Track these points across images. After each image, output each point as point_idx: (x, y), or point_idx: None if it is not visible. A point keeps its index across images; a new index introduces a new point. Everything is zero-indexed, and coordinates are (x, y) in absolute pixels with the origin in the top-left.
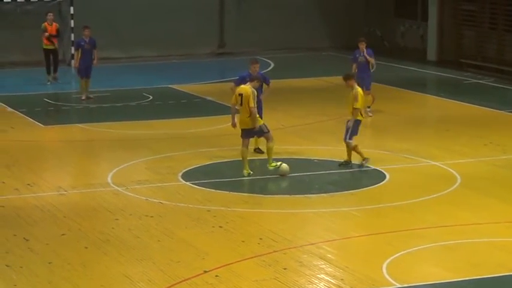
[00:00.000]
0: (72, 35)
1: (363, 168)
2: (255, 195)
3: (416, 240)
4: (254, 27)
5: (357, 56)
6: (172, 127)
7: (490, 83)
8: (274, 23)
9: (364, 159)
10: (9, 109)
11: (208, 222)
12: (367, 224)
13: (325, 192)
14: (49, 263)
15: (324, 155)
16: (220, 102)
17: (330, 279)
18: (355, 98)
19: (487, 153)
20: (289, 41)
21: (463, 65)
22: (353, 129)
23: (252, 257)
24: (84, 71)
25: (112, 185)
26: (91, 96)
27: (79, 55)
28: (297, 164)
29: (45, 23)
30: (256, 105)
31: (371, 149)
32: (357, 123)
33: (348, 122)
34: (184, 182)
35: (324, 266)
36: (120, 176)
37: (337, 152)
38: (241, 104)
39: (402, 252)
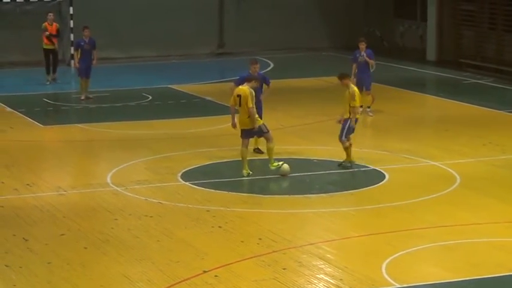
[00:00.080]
0: (72, 35)
1: (362, 168)
2: (255, 195)
3: (415, 240)
4: (254, 27)
5: (357, 56)
6: (172, 127)
7: (489, 83)
8: (273, 23)
9: (347, 160)
10: (9, 109)
11: (208, 222)
12: (366, 224)
13: (324, 192)
14: (48, 263)
15: (323, 155)
16: (219, 102)
17: (329, 279)
18: (352, 97)
19: (486, 153)
20: (289, 41)
21: (462, 65)
22: (349, 129)
23: (251, 257)
24: (84, 71)
25: (111, 185)
26: (90, 96)
27: (79, 55)
28: (297, 164)
29: (46, 23)
30: (255, 106)
31: (370, 149)
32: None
33: (341, 120)
34: (183, 182)
35: (323, 266)
36: (119, 176)
37: (336, 152)
38: (240, 105)
39: (401, 252)
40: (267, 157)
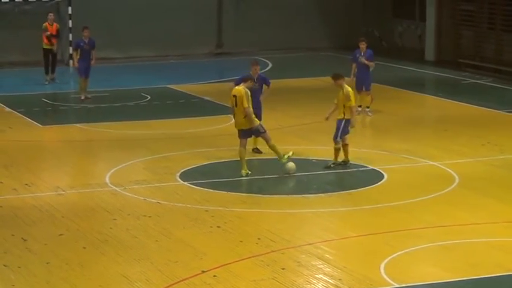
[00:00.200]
0: (70, 35)
1: (361, 168)
2: (253, 195)
3: (414, 240)
4: (252, 27)
5: (357, 55)
6: (170, 127)
7: (488, 83)
8: (272, 23)
9: (334, 163)
10: (7, 109)
11: (206, 222)
12: (365, 224)
13: (323, 192)
14: (47, 263)
15: (321, 155)
16: (218, 102)
17: (328, 279)
18: (347, 97)
19: (485, 153)
20: (288, 41)
21: (461, 65)
22: (343, 129)
23: (250, 257)
24: (84, 71)
25: (110, 185)
26: (89, 96)
27: (78, 55)
28: (295, 164)
29: (46, 23)
30: (252, 106)
31: (369, 148)
32: (347, 123)
33: (328, 117)
34: (182, 182)
35: (322, 266)
36: (118, 176)
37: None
38: (236, 105)
39: (400, 252)
40: (265, 157)
